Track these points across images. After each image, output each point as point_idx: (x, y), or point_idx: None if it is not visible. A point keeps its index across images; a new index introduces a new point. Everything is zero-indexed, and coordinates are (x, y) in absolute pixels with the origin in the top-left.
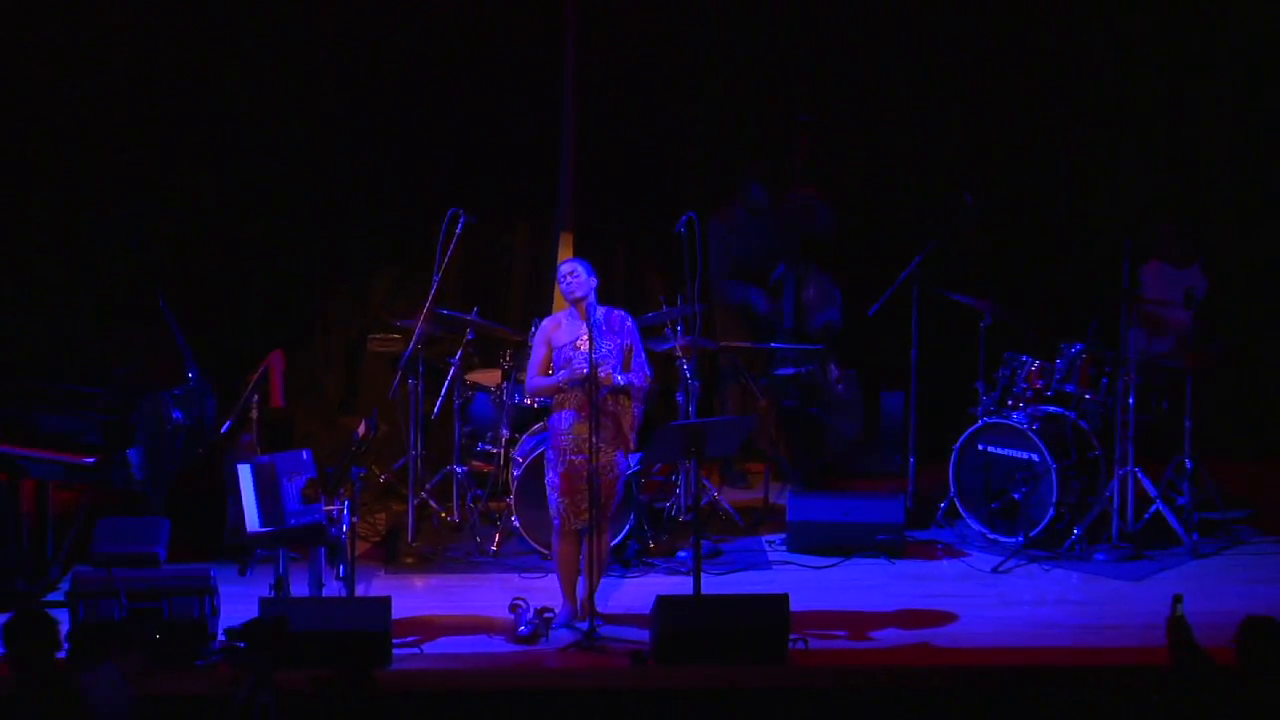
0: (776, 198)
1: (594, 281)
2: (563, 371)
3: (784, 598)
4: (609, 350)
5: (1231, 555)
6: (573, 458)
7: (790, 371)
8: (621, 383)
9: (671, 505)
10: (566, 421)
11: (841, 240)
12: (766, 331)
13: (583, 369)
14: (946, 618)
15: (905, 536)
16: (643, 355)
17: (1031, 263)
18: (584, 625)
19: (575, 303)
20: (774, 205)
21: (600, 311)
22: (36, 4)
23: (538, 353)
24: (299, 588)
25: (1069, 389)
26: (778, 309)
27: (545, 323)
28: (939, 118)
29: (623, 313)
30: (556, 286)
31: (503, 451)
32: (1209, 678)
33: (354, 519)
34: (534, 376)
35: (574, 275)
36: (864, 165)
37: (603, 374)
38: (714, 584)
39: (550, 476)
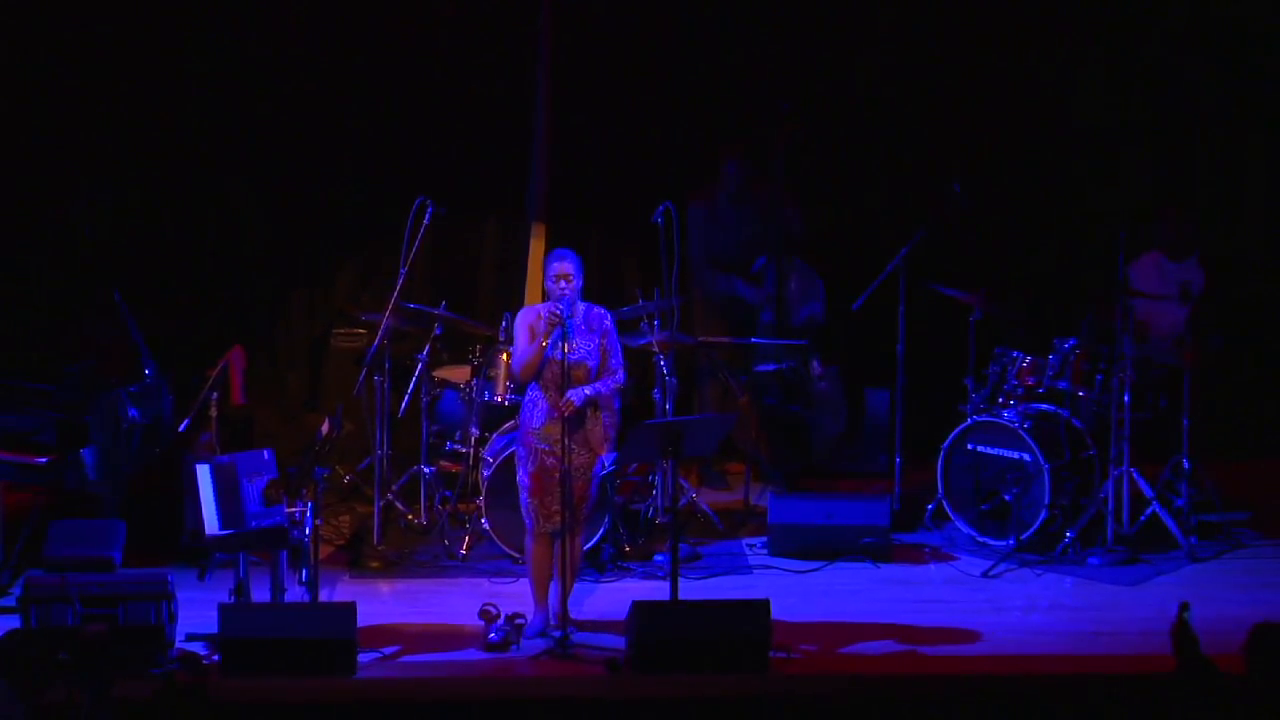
0: (750, 181)
1: (580, 282)
2: (540, 341)
3: (765, 603)
4: (586, 350)
5: (1230, 559)
6: (544, 458)
7: (771, 368)
8: (577, 403)
9: (648, 507)
10: (538, 420)
11: (826, 232)
12: (747, 326)
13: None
14: (934, 624)
15: (891, 540)
16: (619, 356)
17: (1023, 255)
18: (557, 632)
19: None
20: (747, 187)
21: (580, 308)
22: None
23: (522, 337)
24: (260, 593)
25: (1062, 386)
26: (765, 297)
27: (522, 314)
28: (926, 104)
29: (602, 310)
30: (529, 279)
31: (472, 451)
32: (1215, 687)
33: (317, 521)
34: (516, 357)
35: (569, 281)
36: (848, 154)
37: (562, 404)
38: (692, 589)
39: (520, 475)
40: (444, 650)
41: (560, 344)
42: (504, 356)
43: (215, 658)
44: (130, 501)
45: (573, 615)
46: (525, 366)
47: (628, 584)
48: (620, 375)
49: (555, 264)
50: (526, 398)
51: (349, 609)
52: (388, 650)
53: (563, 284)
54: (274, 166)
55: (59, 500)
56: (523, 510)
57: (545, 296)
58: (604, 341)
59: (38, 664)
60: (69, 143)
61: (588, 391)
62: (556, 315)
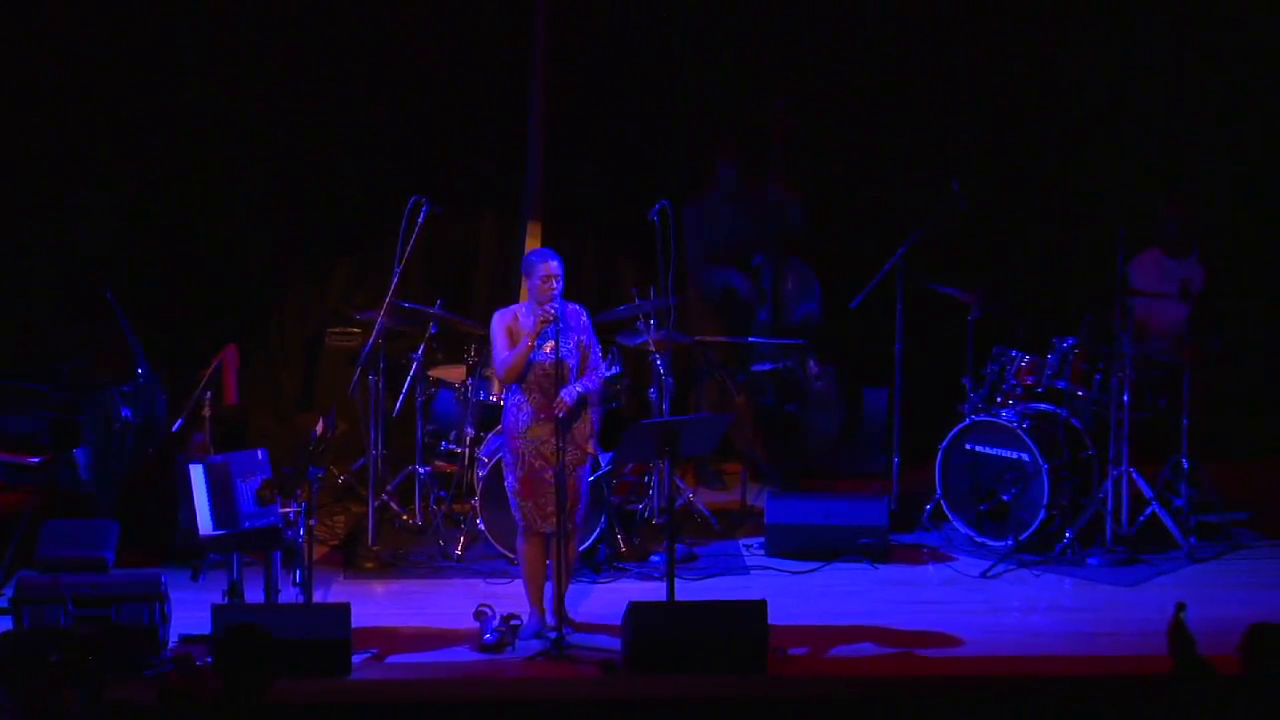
0: (746, 181)
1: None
2: (526, 341)
3: (762, 604)
4: (568, 349)
5: (1230, 559)
6: (531, 461)
7: (768, 367)
8: (570, 402)
9: (644, 507)
10: (524, 422)
11: (822, 230)
12: (743, 325)
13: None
14: (932, 625)
15: (889, 540)
16: (599, 350)
17: (1022, 253)
18: (553, 633)
19: (544, 301)
20: (743, 188)
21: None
22: None
23: (501, 340)
24: (254, 593)
25: (1061, 385)
26: (759, 291)
27: (499, 316)
28: (925, 101)
29: (577, 307)
30: (523, 278)
31: (467, 451)
32: (1212, 688)
33: (311, 521)
34: (500, 358)
35: (559, 281)
36: (846, 151)
37: (555, 404)
38: (689, 590)
39: (509, 481)
40: (439, 651)
41: (546, 344)
42: None
43: (209, 659)
44: (123, 502)
45: (569, 616)
46: (510, 369)
47: (624, 585)
48: (603, 369)
49: (542, 265)
50: (509, 401)
51: (343, 610)
52: (382, 651)
53: (553, 284)
54: (269, 166)
55: (51, 500)
56: (514, 514)
57: (525, 297)
58: (583, 338)
59: (30, 666)
60: (63, 142)
61: (579, 389)
62: (552, 314)
